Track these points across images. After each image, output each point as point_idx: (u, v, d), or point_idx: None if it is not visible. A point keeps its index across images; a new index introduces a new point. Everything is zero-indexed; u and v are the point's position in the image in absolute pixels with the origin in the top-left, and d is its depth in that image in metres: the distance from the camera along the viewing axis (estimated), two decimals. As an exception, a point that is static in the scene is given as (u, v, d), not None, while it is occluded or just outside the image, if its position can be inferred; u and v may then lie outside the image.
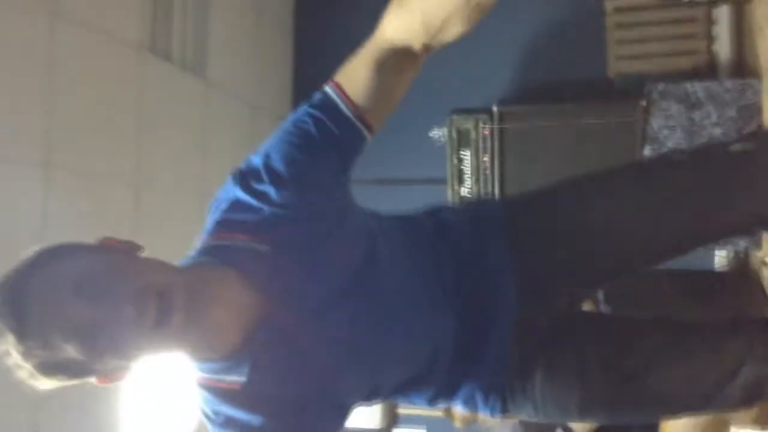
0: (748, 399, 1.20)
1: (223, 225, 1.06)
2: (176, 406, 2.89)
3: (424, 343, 1.15)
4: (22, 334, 0.90)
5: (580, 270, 1.24)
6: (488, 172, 3.40)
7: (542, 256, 1.22)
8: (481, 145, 3.41)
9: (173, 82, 3.05)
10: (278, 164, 1.06)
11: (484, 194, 3.41)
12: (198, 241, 1.09)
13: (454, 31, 1.01)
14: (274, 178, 1.05)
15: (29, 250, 0.97)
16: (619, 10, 3.37)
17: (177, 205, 2.96)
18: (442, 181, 3.55)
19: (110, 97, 2.64)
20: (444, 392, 1.22)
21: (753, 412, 1.98)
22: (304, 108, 1.09)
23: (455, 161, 3.49)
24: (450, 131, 3.49)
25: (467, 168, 3.46)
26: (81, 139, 2.46)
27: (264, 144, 1.09)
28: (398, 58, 1.06)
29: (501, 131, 3.40)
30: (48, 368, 0.92)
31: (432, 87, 3.51)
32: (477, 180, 3.43)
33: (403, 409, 3.76)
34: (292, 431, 1.05)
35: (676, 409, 1.27)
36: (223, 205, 1.07)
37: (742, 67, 3.18)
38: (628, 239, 1.22)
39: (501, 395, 1.21)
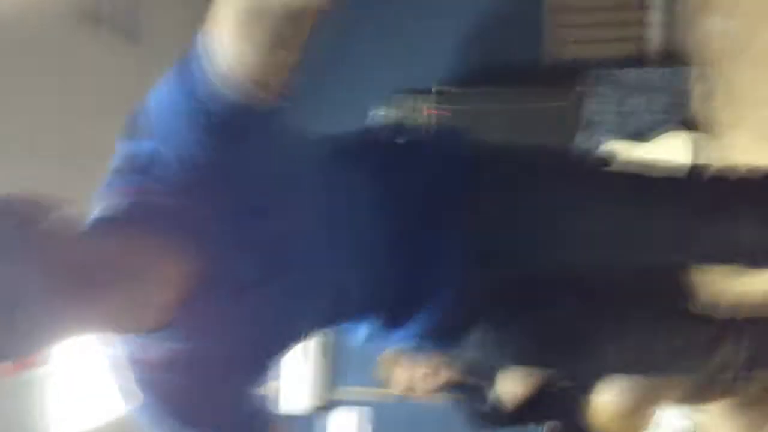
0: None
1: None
2: (100, 389, 2.78)
3: (355, 297, 1.09)
4: None
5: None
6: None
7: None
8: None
9: (104, 47, 2.87)
10: None
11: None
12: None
13: None
14: None
15: None
16: (558, -6, 3.40)
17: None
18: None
19: (33, 65, 2.46)
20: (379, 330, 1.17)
21: (680, 390, 2.02)
22: None
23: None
24: (391, 113, 3.42)
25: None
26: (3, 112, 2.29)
27: None
28: None
29: (438, 113, 3.37)
30: None
31: (371, 67, 3.47)
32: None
33: (341, 394, 3.73)
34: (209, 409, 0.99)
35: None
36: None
37: (676, 54, 3.26)
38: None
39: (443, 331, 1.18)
